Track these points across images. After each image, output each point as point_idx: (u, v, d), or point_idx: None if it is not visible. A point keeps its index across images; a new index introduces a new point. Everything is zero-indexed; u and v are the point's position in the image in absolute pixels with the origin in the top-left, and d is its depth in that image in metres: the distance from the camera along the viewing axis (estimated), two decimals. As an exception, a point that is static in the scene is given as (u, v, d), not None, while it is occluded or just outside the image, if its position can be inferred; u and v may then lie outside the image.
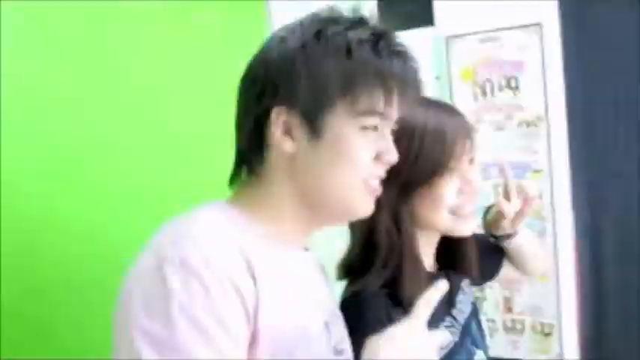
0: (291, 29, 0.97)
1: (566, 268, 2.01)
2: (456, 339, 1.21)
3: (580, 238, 2.02)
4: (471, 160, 1.18)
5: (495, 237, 1.35)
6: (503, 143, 2.05)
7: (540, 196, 2.01)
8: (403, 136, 1.08)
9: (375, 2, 2.24)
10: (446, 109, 1.18)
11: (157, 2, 1.63)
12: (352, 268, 1.20)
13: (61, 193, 1.38)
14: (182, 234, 0.85)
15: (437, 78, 2.15)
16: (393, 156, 0.99)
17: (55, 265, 1.29)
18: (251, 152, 0.98)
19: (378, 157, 0.97)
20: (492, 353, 2.09)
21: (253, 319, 0.84)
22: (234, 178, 1.02)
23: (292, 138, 0.94)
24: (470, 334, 1.27)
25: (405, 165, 1.09)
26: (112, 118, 1.48)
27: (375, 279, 1.14)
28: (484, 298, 2.12)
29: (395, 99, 0.96)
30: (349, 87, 0.92)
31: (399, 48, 0.97)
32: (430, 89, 2.12)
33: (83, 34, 1.44)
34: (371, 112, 0.94)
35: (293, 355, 0.89)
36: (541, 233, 2.02)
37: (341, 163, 0.94)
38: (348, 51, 0.91)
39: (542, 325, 2.05)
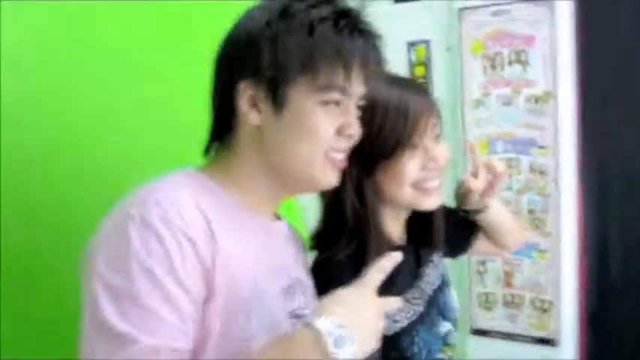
0: (260, 7, 1.02)
1: (567, 246, 2.00)
2: (421, 309, 1.25)
3: (584, 216, 2.01)
4: (437, 137, 1.20)
5: (466, 211, 1.37)
6: (510, 118, 2.03)
7: (545, 172, 2.00)
8: (367, 111, 1.11)
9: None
10: (411, 86, 1.21)
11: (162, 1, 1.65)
12: (321, 239, 1.24)
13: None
14: (146, 195, 0.91)
15: (448, 49, 2.14)
16: (354, 130, 1.03)
17: (55, 265, 1.30)
18: (222, 124, 1.04)
19: (339, 131, 1.01)
20: (490, 326, 2.13)
21: (209, 276, 0.90)
22: (209, 148, 1.07)
23: (258, 111, 0.99)
24: (436, 306, 1.30)
25: (368, 140, 1.12)
26: (116, 117, 1.49)
27: (341, 249, 1.18)
28: (485, 272, 2.14)
29: (355, 75, 0.99)
30: (310, 63, 0.96)
31: (362, 25, 1.01)
32: (441, 60, 2.13)
33: (87, 33, 1.45)
34: (331, 87, 0.98)
35: (248, 315, 0.94)
36: (544, 210, 2.01)
37: (303, 136, 0.99)
38: (310, 28, 0.96)
39: (541, 301, 2.06)
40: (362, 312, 0.88)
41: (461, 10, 2.07)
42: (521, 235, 1.51)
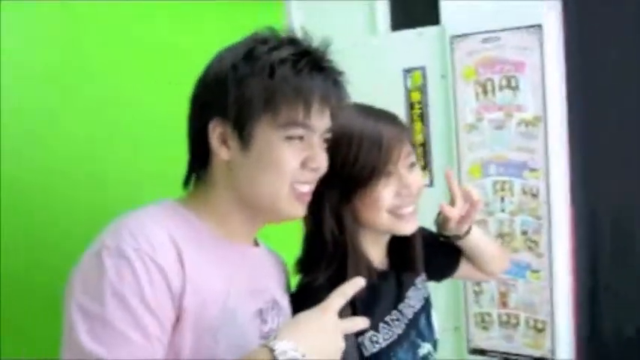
0: (229, 48, 1.10)
1: (560, 267, 2.04)
2: (400, 331, 1.30)
3: (577, 238, 2.04)
4: (411, 165, 1.26)
5: (447, 237, 1.42)
6: (502, 141, 2.08)
7: (537, 195, 2.04)
8: (343, 142, 1.18)
9: (387, 2, 2.31)
10: (385, 117, 1.26)
11: (174, 3, 1.71)
12: (303, 264, 1.30)
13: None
14: (121, 226, 0.99)
15: (442, 77, 2.20)
16: (318, 163, 1.10)
17: (55, 264, 1.33)
18: (198, 159, 1.13)
19: (304, 164, 1.08)
20: (488, 346, 2.17)
21: (178, 302, 0.97)
22: (188, 181, 1.15)
23: (228, 147, 1.07)
24: (417, 328, 1.35)
25: (345, 169, 1.20)
26: (126, 120, 1.56)
27: (321, 274, 1.24)
28: (480, 292, 2.18)
29: (315, 111, 1.06)
30: (271, 102, 1.04)
31: (322, 63, 1.08)
32: (436, 87, 2.19)
33: (94, 33, 1.52)
34: (292, 124, 1.05)
35: (216, 338, 1.02)
36: (537, 231, 2.05)
37: (268, 170, 1.06)
38: (271, 70, 1.03)
39: (536, 321, 2.09)
40: (320, 334, 0.95)
41: (453, 37, 2.13)
42: (504, 262, 1.55)
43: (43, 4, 1.40)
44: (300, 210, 1.12)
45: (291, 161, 1.06)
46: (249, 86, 1.03)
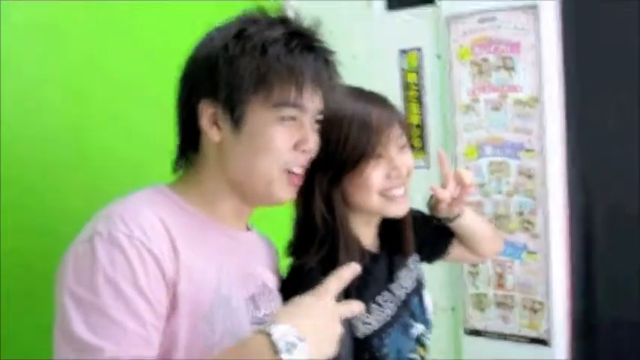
0: (219, 28, 1.09)
1: (556, 248, 2.04)
2: (392, 312, 1.30)
3: (572, 218, 2.04)
4: (402, 147, 1.26)
5: (438, 219, 1.42)
6: (497, 122, 2.08)
7: (532, 176, 2.04)
8: (333, 124, 1.17)
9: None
10: (375, 99, 1.25)
11: (178, 3, 1.68)
12: (295, 247, 1.30)
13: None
14: (113, 212, 0.97)
15: (438, 57, 2.19)
16: (311, 145, 1.09)
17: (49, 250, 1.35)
18: (186, 142, 1.11)
19: (296, 146, 1.07)
20: (484, 326, 2.17)
21: (172, 288, 0.96)
22: (177, 165, 1.14)
23: (218, 128, 1.05)
24: (409, 309, 1.35)
25: (335, 151, 1.19)
26: (128, 115, 1.54)
27: (313, 257, 1.24)
28: (477, 273, 2.18)
29: (308, 91, 1.05)
30: (263, 82, 1.02)
31: (314, 43, 1.07)
32: (432, 68, 2.18)
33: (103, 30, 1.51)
34: (284, 104, 1.04)
35: (212, 324, 1.01)
36: (533, 212, 2.05)
37: (260, 152, 1.05)
38: (263, 49, 1.02)
39: (532, 302, 2.09)
40: (318, 318, 0.93)
41: (449, 18, 2.11)
42: (497, 244, 1.55)
43: (45, 4, 1.38)
44: (292, 193, 1.11)
45: (283, 143, 1.05)
46: (240, 66, 1.01)
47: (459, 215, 1.39)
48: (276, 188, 1.08)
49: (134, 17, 1.59)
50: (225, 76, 1.02)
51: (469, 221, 1.42)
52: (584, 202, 2.03)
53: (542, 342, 2.09)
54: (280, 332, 0.87)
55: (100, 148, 1.49)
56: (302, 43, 1.04)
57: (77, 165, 1.44)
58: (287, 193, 1.10)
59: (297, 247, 1.29)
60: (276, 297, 1.19)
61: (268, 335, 0.87)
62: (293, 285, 1.23)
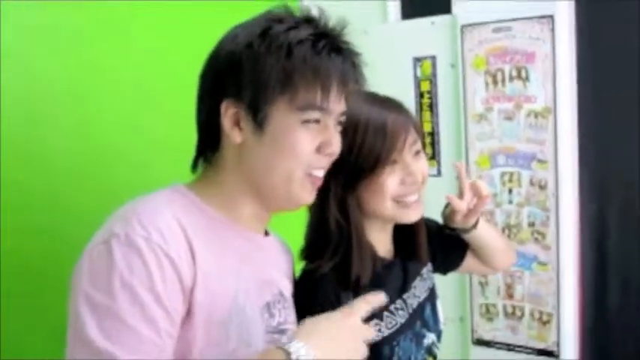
0: (243, 26, 1.06)
1: (567, 259, 2.03)
2: (403, 320, 1.30)
3: (583, 230, 2.03)
4: (417, 153, 1.25)
5: (453, 230, 1.41)
6: (510, 132, 2.07)
7: (545, 187, 2.03)
8: (348, 129, 1.17)
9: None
10: (391, 104, 1.25)
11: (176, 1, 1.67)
12: (308, 252, 1.30)
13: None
14: (130, 214, 0.95)
15: (452, 66, 2.18)
16: (334, 148, 1.07)
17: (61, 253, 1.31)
18: (206, 142, 1.08)
19: (319, 149, 1.05)
20: (492, 337, 2.17)
21: (189, 295, 0.94)
22: (196, 165, 1.11)
23: (240, 129, 1.02)
24: (421, 318, 1.35)
25: (350, 156, 1.19)
26: (130, 115, 1.54)
27: (326, 262, 1.24)
28: (486, 283, 2.18)
29: (333, 94, 1.03)
30: (288, 83, 0.99)
31: (341, 45, 1.04)
32: (446, 77, 2.18)
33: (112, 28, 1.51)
34: (310, 107, 1.01)
35: (228, 332, 0.99)
36: (544, 223, 2.04)
37: (283, 155, 1.02)
38: (289, 50, 0.99)
39: (541, 313, 2.08)
40: (338, 338, 0.92)
41: (464, 26, 2.11)
42: (510, 257, 1.54)
43: (49, 3, 1.38)
44: (311, 196, 1.09)
45: (307, 146, 1.02)
46: (265, 66, 0.99)
47: (474, 226, 1.38)
48: (297, 191, 1.06)
49: (137, 17, 1.59)
50: (249, 76, 1.00)
51: (484, 233, 1.41)
52: (596, 213, 2.02)
53: (550, 354, 2.08)
54: (299, 350, 0.87)
55: (102, 148, 1.49)
56: (329, 45, 1.01)
57: (77, 165, 1.43)
58: (308, 196, 1.08)
59: (311, 251, 1.28)
60: (291, 305, 1.18)
61: (286, 352, 0.86)
62: (304, 289, 1.23)
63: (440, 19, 2.19)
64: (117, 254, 0.89)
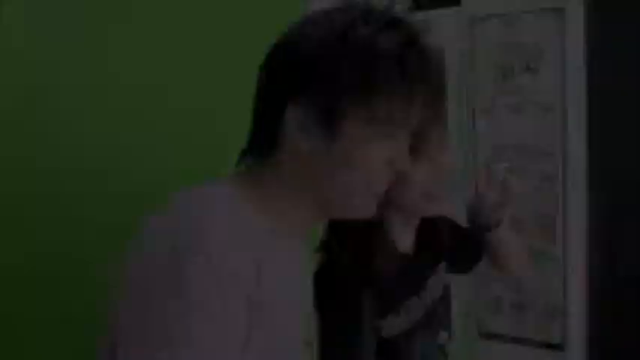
0: (315, 21, 0.95)
1: (574, 253, 2.03)
2: (418, 317, 1.29)
3: (593, 224, 2.03)
4: (442, 145, 1.25)
5: (476, 226, 1.41)
6: (519, 126, 2.07)
7: (553, 180, 2.03)
8: None
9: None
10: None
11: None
12: (328, 243, 1.27)
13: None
14: (200, 228, 0.85)
15: (461, 59, 2.17)
16: (405, 164, 0.98)
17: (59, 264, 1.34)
18: (264, 140, 0.97)
19: (390, 164, 0.95)
20: (498, 330, 2.17)
21: (249, 330, 0.85)
22: (243, 158, 1.01)
23: (307, 136, 0.92)
24: (436, 315, 1.34)
25: None
26: (133, 115, 1.53)
27: (346, 254, 1.22)
28: (493, 277, 2.18)
29: (416, 110, 0.94)
30: (369, 94, 0.89)
31: (428, 55, 0.94)
32: (454, 70, 2.17)
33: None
34: (389, 121, 0.92)
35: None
36: (552, 217, 2.05)
37: (352, 168, 0.93)
38: (373, 58, 0.89)
39: (548, 307, 2.09)
40: None
41: (473, 19, 2.10)
42: (526, 262, 1.54)
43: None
44: (372, 211, 1.00)
45: (379, 160, 0.93)
46: (344, 71, 0.88)
47: (498, 223, 1.38)
48: (361, 203, 0.97)
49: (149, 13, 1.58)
50: (324, 82, 0.89)
51: (504, 234, 1.41)
52: (604, 208, 2.02)
53: (557, 347, 2.09)
54: None
55: (104, 147, 1.48)
56: (416, 56, 0.91)
57: (77, 166, 1.44)
58: (370, 210, 0.99)
59: (331, 242, 1.26)
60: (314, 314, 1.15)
61: None
62: (324, 280, 1.21)
63: (449, 12, 2.18)
64: (190, 274, 0.80)
